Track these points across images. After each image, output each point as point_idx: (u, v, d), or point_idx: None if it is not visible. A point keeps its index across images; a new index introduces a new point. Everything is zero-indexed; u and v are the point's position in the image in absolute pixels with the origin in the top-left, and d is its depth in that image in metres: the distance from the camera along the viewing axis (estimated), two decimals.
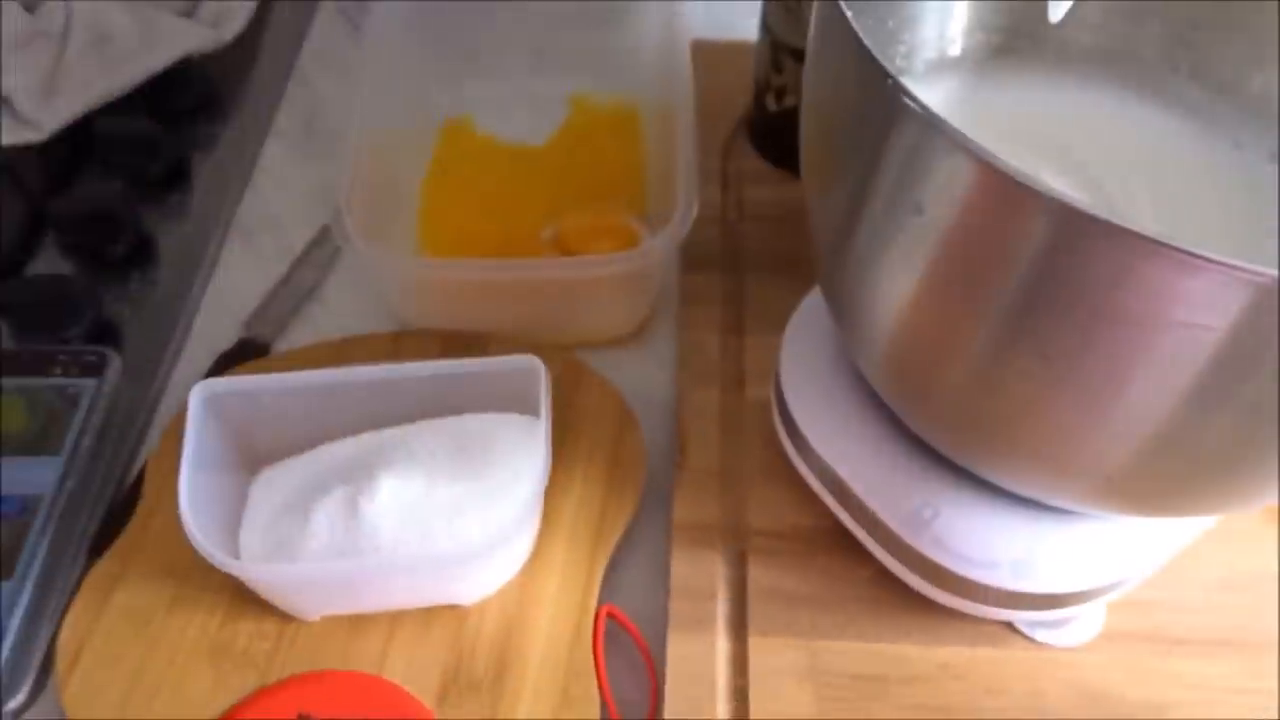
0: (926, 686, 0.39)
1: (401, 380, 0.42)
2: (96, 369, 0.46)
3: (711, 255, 0.53)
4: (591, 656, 0.39)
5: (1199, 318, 0.24)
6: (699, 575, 0.42)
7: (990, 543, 0.36)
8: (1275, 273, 0.22)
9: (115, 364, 0.47)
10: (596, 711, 0.38)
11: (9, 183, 0.54)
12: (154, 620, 0.40)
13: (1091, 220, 0.23)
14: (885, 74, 0.26)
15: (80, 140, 0.56)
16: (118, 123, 0.57)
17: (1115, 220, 0.23)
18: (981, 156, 0.24)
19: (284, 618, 0.40)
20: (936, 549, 0.37)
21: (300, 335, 0.51)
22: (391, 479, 0.39)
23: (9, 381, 0.45)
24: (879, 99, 0.27)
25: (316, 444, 0.43)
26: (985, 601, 0.37)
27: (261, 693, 0.38)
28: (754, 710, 0.38)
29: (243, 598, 0.40)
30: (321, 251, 0.54)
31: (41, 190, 0.55)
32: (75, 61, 0.58)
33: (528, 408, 0.43)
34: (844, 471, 0.39)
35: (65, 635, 0.39)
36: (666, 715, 0.38)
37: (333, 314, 0.52)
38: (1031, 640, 0.40)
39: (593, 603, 0.41)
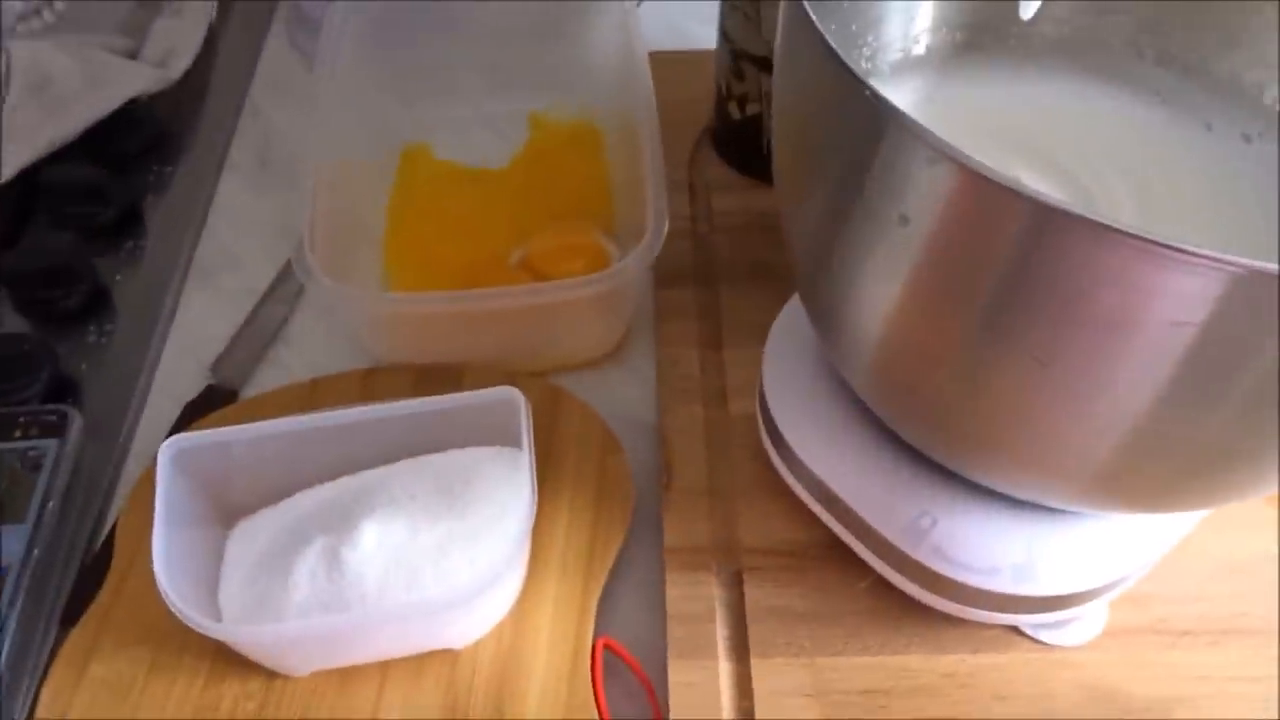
0: (933, 697, 0.38)
1: (377, 421, 0.40)
2: (58, 429, 0.44)
3: (684, 269, 0.52)
4: (591, 691, 0.38)
5: (1185, 313, 0.23)
6: (695, 599, 0.41)
7: (990, 548, 0.36)
8: (1259, 264, 0.21)
9: (77, 422, 0.45)
10: None
11: None
12: (134, 689, 0.38)
13: (1084, 222, 0.22)
14: (863, 85, 0.25)
15: (26, 191, 0.55)
16: (64, 171, 0.55)
17: (1108, 221, 0.22)
18: (970, 165, 0.23)
19: (270, 675, 0.38)
20: (936, 558, 0.36)
21: (268, 378, 0.50)
22: (373, 525, 0.38)
23: None
24: (856, 110, 0.26)
25: (292, 492, 0.41)
26: (987, 607, 0.37)
27: None
28: None
29: (225, 658, 0.38)
30: (285, 289, 0.53)
31: None
32: (17, 109, 0.56)
33: (509, 439, 0.42)
34: (836, 485, 0.38)
35: (42, 713, 0.38)
36: None
37: (301, 354, 0.51)
38: (1035, 641, 0.39)
39: (588, 635, 0.40)
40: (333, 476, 0.42)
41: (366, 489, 0.40)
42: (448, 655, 0.39)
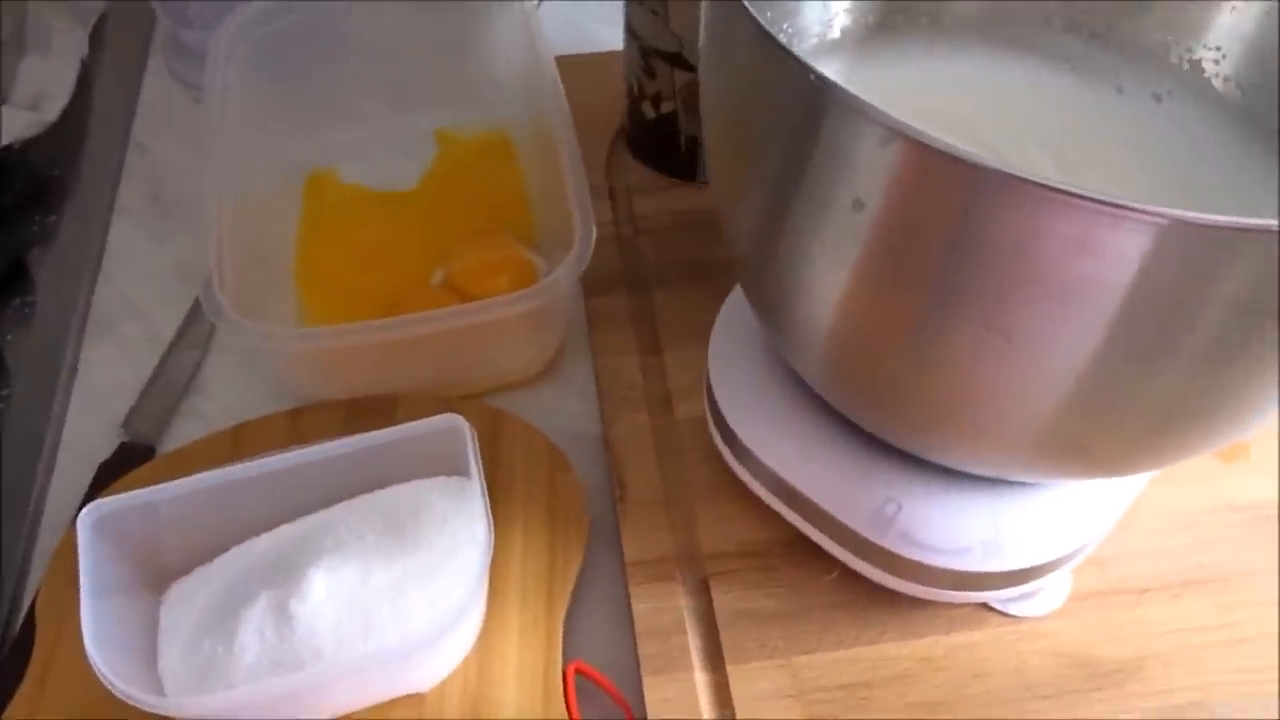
0: (913, 683, 0.38)
1: (312, 463, 0.38)
2: None
3: (613, 275, 0.51)
4: (567, 718, 0.37)
5: (1131, 271, 0.23)
6: (662, 612, 0.40)
7: (957, 528, 0.35)
8: (1178, 213, 0.21)
9: None
10: None
11: None
12: None
13: (1039, 186, 0.22)
14: (806, 68, 0.24)
15: None
16: None
17: (1065, 185, 0.22)
18: (931, 142, 0.23)
19: None
20: (904, 543, 0.36)
21: (186, 430, 0.47)
22: (321, 572, 0.35)
23: None
24: (798, 96, 0.25)
25: (227, 547, 0.39)
26: (957, 587, 0.37)
27: None
28: None
29: None
30: (194, 334, 0.50)
31: None
32: None
33: (453, 468, 0.40)
34: (795, 479, 0.38)
35: None
36: None
37: (218, 401, 0.48)
38: (1006, 615, 0.39)
39: (558, 661, 0.38)
40: (269, 526, 0.39)
41: (309, 536, 0.38)
42: (414, 700, 0.37)
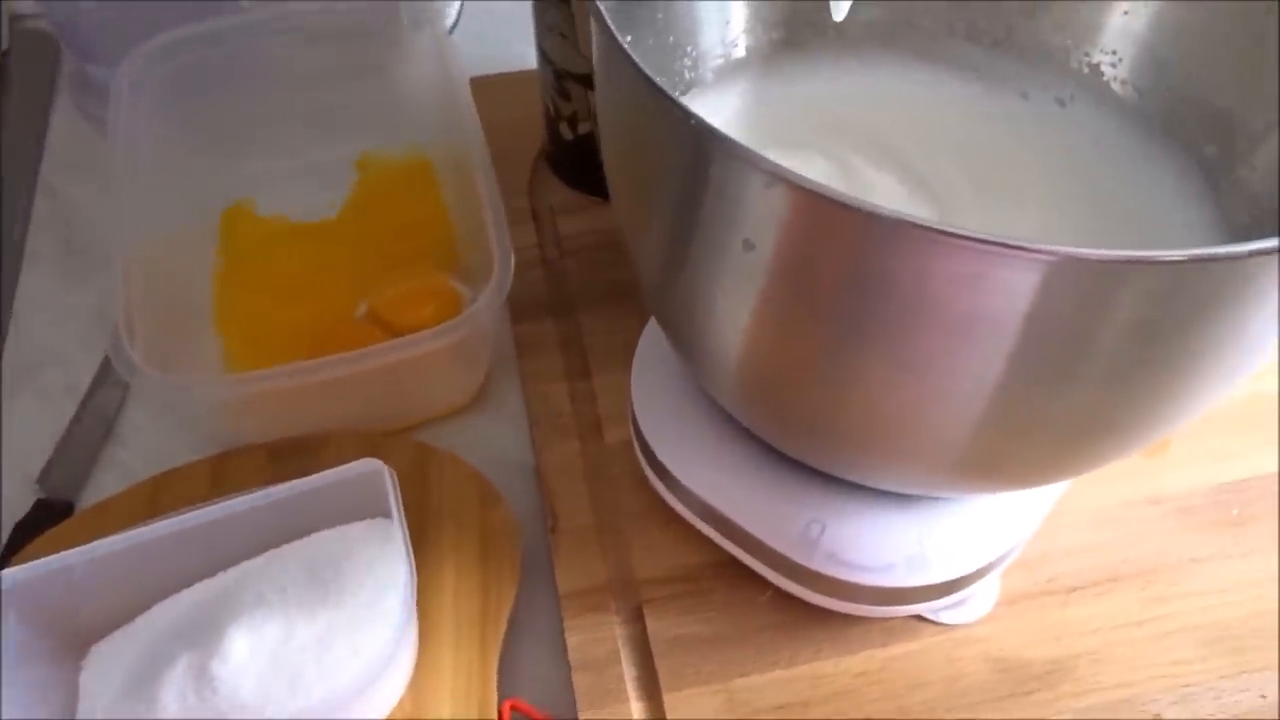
0: (851, 699, 0.38)
1: (232, 516, 0.38)
2: None
3: (539, 300, 0.50)
4: None
5: (1023, 303, 0.23)
6: (597, 643, 0.39)
7: (882, 546, 0.35)
8: (1079, 250, 0.22)
9: None
10: None
11: None
12: None
13: (924, 229, 0.22)
14: (687, 114, 0.24)
15: None
16: None
17: (944, 226, 0.22)
18: (809, 186, 0.22)
19: None
20: (830, 564, 0.36)
21: (106, 482, 0.46)
22: (241, 631, 0.35)
23: None
24: (683, 140, 0.25)
25: (149, 606, 0.38)
26: (887, 602, 0.37)
27: None
28: None
29: None
30: (113, 381, 0.49)
31: None
32: None
33: (379, 509, 0.39)
34: (720, 504, 0.38)
35: None
36: None
37: (139, 450, 0.47)
38: (938, 624, 0.40)
39: (493, 699, 0.38)
40: (191, 582, 0.39)
41: (229, 592, 0.37)
42: None
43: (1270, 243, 0.21)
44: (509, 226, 0.52)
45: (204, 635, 0.35)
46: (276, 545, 0.39)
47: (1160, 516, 0.42)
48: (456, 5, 0.66)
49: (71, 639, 0.37)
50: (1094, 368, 0.26)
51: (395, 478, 0.38)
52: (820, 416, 0.31)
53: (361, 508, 0.40)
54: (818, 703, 0.38)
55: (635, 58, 0.25)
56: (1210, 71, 0.37)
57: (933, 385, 0.27)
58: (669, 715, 0.37)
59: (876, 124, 0.42)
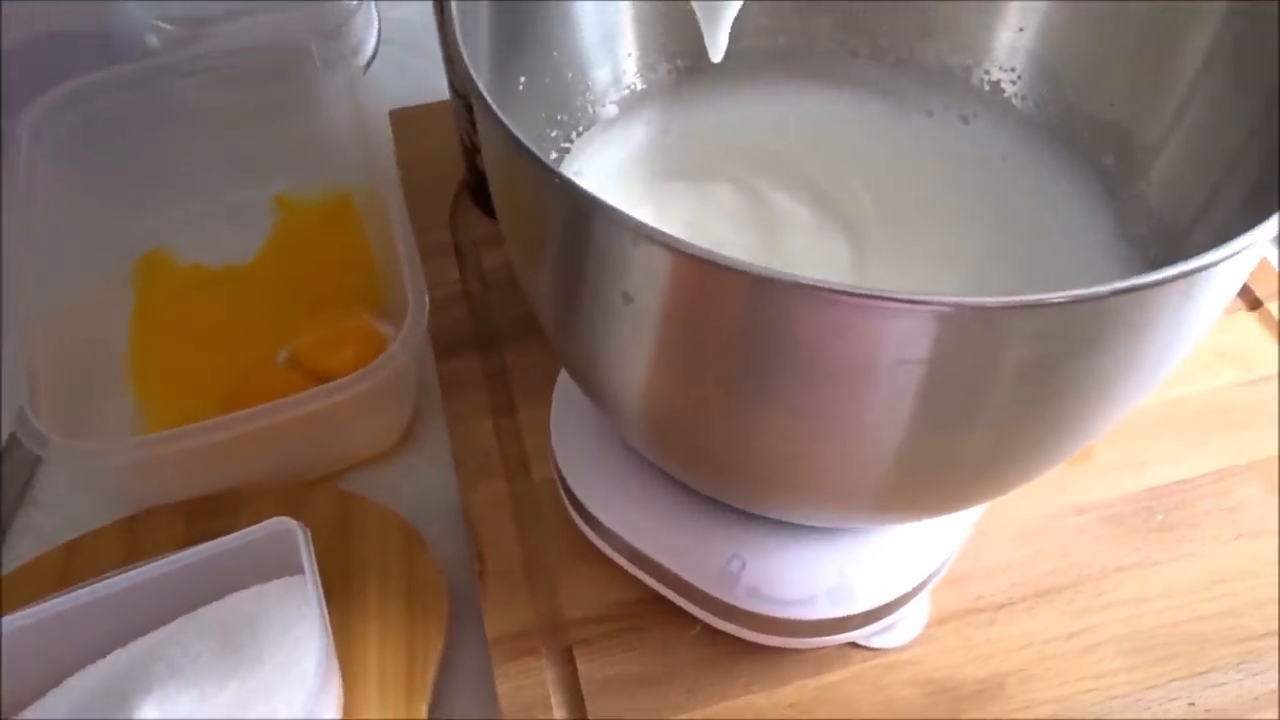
0: None
1: (145, 582, 0.37)
2: None
3: (463, 336, 0.50)
4: None
5: (909, 352, 0.23)
6: (527, 689, 0.39)
7: (802, 578, 0.35)
8: (961, 299, 0.21)
9: None
10: None
11: None
12: None
13: (795, 285, 0.22)
14: (551, 173, 0.23)
15: None
16: None
17: (817, 282, 0.21)
18: (676, 245, 0.22)
19: None
20: (752, 599, 0.36)
21: (22, 548, 0.45)
22: (152, 704, 0.34)
23: None
24: (554, 197, 0.25)
25: (61, 680, 0.37)
26: (813, 634, 0.37)
27: None
28: None
29: None
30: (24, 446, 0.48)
31: None
32: None
33: (297, 567, 0.39)
34: (641, 543, 0.37)
35: None
36: None
37: (54, 514, 0.46)
38: (869, 649, 0.39)
39: None
40: (105, 652, 0.38)
41: (141, 661, 0.36)
42: None
43: (1128, 282, 0.21)
44: (433, 259, 0.52)
45: (116, 708, 0.34)
46: (193, 608, 0.38)
47: (1085, 526, 0.42)
48: (374, 39, 0.65)
49: None
50: (991, 407, 0.25)
51: (308, 535, 0.37)
52: (726, 461, 0.30)
53: (279, 565, 0.39)
54: None
55: (498, 111, 0.24)
56: (1101, 85, 0.37)
57: (831, 432, 0.26)
58: None
59: (784, 148, 0.42)
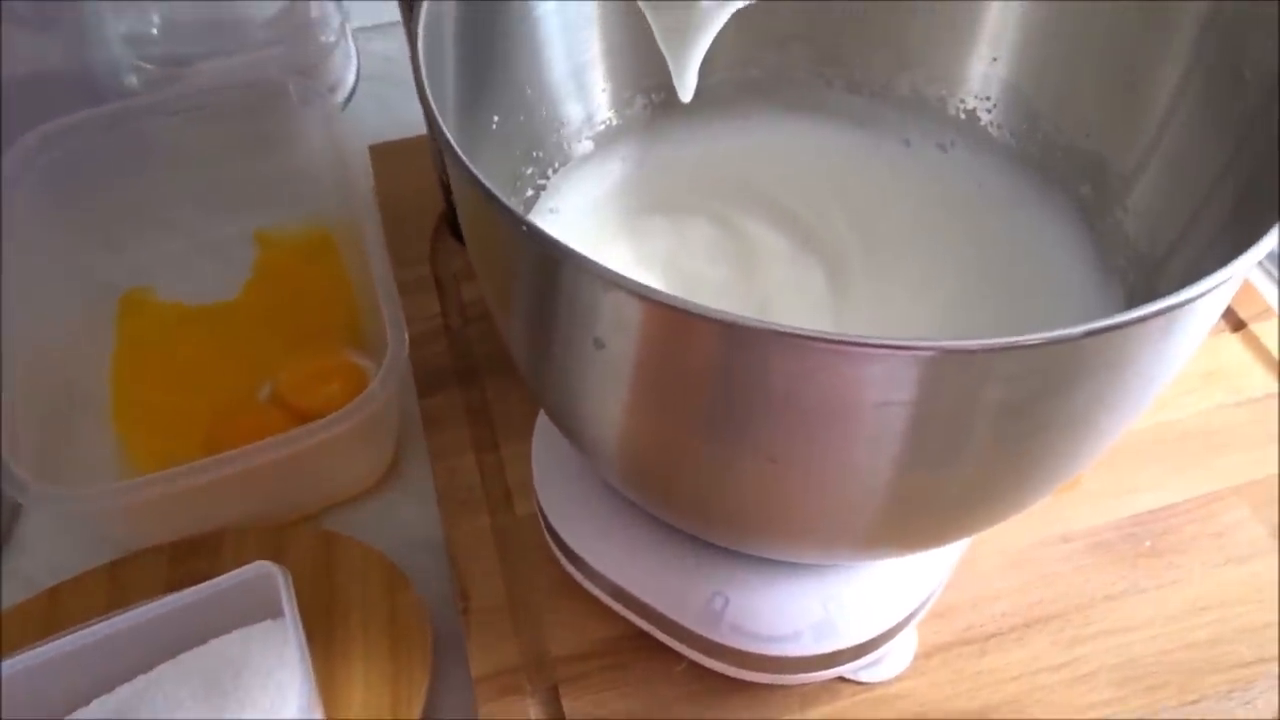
0: None
1: (128, 629, 0.36)
2: None
3: (444, 371, 0.50)
4: None
5: (886, 395, 0.23)
6: None
7: (785, 615, 0.35)
8: (940, 343, 0.21)
9: None
10: None
11: None
12: None
13: (767, 331, 0.21)
14: (521, 221, 0.23)
15: None
16: None
17: (790, 329, 0.21)
18: (644, 292, 0.22)
19: None
20: (736, 636, 0.35)
21: (9, 593, 0.44)
22: None
23: None
24: (522, 244, 0.24)
25: None
26: (798, 670, 0.36)
27: None
28: None
29: None
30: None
31: None
32: None
33: (279, 609, 0.38)
34: (623, 581, 0.37)
35: None
36: None
37: (39, 557, 0.45)
38: (858, 683, 0.39)
39: None
40: (89, 699, 0.37)
41: (125, 708, 0.36)
42: None
43: (1109, 321, 0.21)
44: (414, 293, 0.52)
45: None
46: (176, 654, 0.38)
47: (1073, 554, 0.42)
48: (353, 74, 0.65)
49: None
50: (974, 446, 0.25)
51: (289, 579, 0.37)
52: (706, 504, 0.30)
53: (262, 608, 0.38)
54: None
55: (464, 157, 0.24)
56: (1076, 114, 0.37)
57: (810, 476, 0.26)
58: None
59: (762, 180, 0.42)
